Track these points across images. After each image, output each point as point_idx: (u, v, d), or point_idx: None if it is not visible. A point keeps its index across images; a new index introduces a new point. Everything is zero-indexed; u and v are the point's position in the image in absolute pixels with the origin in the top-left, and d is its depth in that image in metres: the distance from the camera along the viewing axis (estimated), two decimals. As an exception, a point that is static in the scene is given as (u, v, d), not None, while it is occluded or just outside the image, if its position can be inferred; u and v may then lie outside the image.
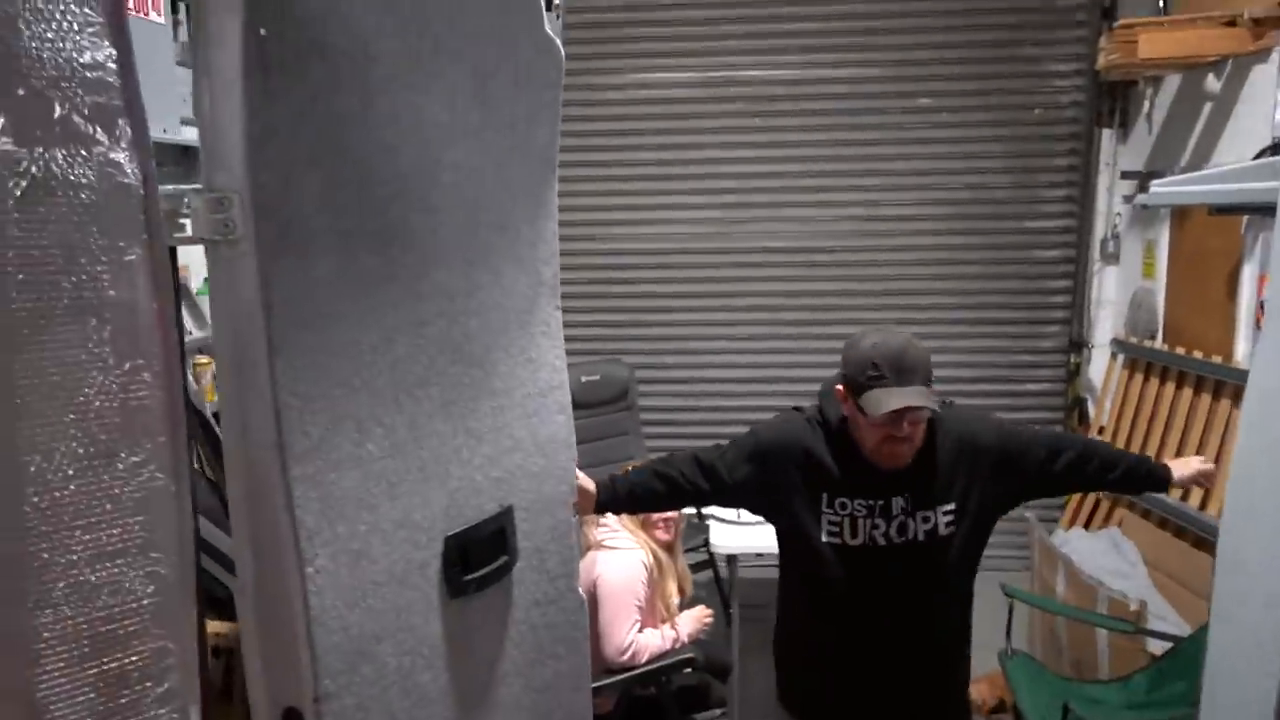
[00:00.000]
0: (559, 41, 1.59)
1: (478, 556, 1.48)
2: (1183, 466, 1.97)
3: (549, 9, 1.56)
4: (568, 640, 1.74)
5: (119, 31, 0.92)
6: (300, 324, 1.20)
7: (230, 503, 1.21)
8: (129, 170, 0.95)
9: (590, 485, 1.84)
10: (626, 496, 1.92)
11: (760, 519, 3.24)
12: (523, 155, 1.57)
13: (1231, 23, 3.35)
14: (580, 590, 1.76)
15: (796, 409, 1.92)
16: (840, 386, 1.77)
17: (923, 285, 4.46)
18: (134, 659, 1.00)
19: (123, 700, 0.99)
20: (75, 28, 0.89)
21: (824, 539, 1.79)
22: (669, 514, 2.65)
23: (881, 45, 4.33)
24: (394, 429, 1.35)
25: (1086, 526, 3.94)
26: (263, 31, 1.10)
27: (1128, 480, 1.96)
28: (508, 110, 1.51)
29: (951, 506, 1.79)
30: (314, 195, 1.19)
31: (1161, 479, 1.95)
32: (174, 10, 1.70)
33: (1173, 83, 3.87)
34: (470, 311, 1.48)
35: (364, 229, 1.27)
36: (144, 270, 0.98)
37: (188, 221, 1.21)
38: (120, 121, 0.93)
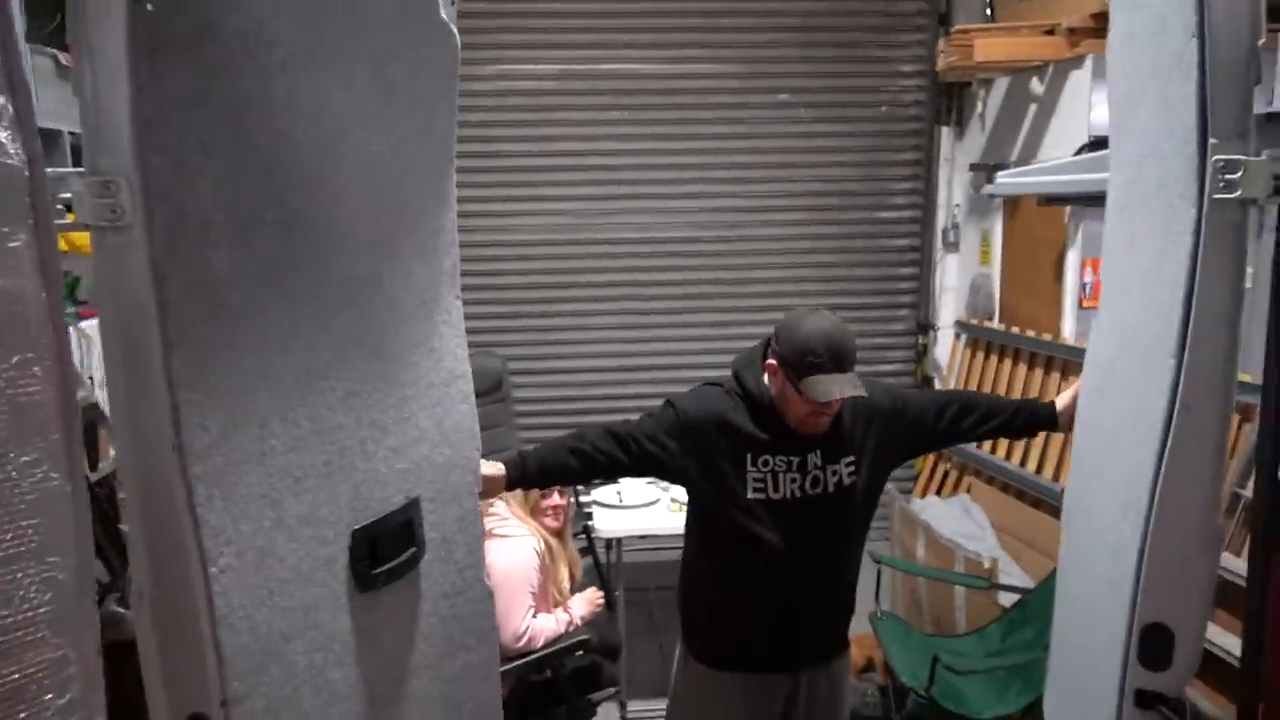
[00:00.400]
0: (454, 28, 1.57)
1: (385, 550, 1.46)
2: (1062, 399, 2.13)
3: None
4: (476, 631, 1.74)
5: (2, 3, 0.86)
6: (198, 316, 1.14)
7: (127, 504, 1.15)
8: (12, 151, 0.89)
9: (496, 469, 1.85)
10: (538, 472, 1.95)
11: (644, 502, 3.33)
12: (422, 142, 1.54)
13: (1051, 31, 3.69)
14: (487, 580, 1.76)
15: (713, 383, 2.05)
16: (773, 361, 1.91)
17: (783, 274, 4.65)
18: (31, 670, 0.95)
19: (21, 715, 0.93)
20: (-48, -4, 0.83)
21: (749, 496, 1.94)
22: (558, 501, 2.68)
23: (742, 43, 4.48)
24: (297, 423, 1.31)
25: (939, 494, 4.24)
26: (149, 7, 1.05)
27: (1015, 422, 2.13)
28: (406, 96, 1.48)
29: (852, 459, 1.98)
30: (210, 182, 1.14)
31: (1048, 415, 2.12)
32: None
33: (1002, 85, 4.21)
34: (374, 301, 1.45)
35: (263, 217, 1.23)
36: (30, 257, 0.92)
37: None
38: (1, 99, 0.87)
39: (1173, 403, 1.36)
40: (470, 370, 1.71)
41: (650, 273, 4.61)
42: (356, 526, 1.41)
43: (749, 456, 1.94)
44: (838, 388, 1.83)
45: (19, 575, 0.93)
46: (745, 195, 4.59)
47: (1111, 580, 1.50)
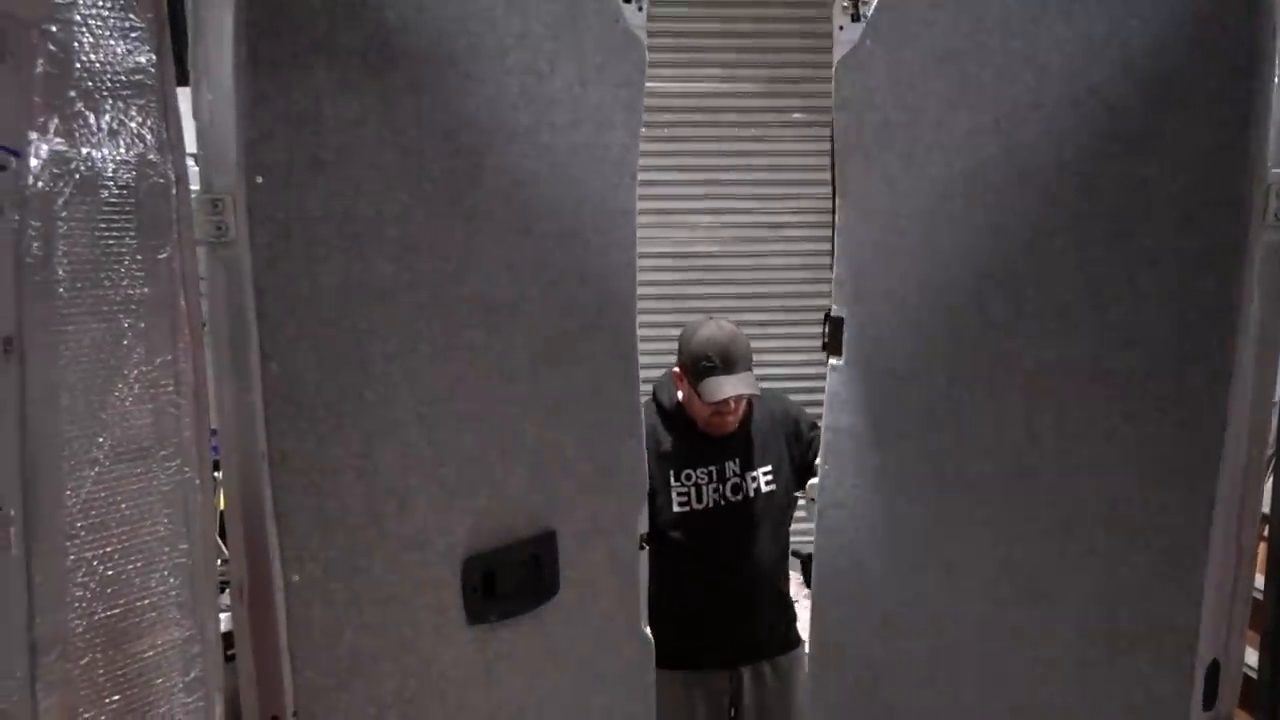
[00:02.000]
0: (642, 36, 1.46)
1: (505, 583, 1.38)
2: None
3: (628, 0, 1.42)
4: (626, 682, 1.60)
5: (160, 36, 0.95)
6: (300, 330, 1.17)
7: (227, 504, 1.18)
8: (165, 171, 0.97)
9: None
10: None
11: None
12: (591, 159, 1.44)
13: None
14: (649, 631, 1.62)
15: None
16: (677, 370, 2.10)
17: (793, 289, 4.74)
18: (163, 648, 1.02)
19: (154, 687, 1.01)
20: (122, 32, 0.91)
21: (675, 510, 2.09)
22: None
23: (759, 62, 4.58)
24: (410, 443, 1.27)
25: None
26: (255, 29, 1.08)
27: None
28: (572, 109, 1.39)
29: (769, 468, 2.16)
30: (320, 200, 1.15)
31: None
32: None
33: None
34: (516, 324, 1.37)
35: (381, 235, 1.22)
36: (175, 268, 1.00)
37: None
38: (159, 124, 0.96)
39: (1221, 432, 1.26)
40: (641, 404, 1.58)
41: (666, 286, 4.70)
42: (472, 554, 1.34)
43: (672, 473, 2.09)
44: (730, 387, 2.00)
45: (155, 560, 1.00)
46: (761, 211, 4.68)
47: (1117, 632, 1.36)
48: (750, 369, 2.06)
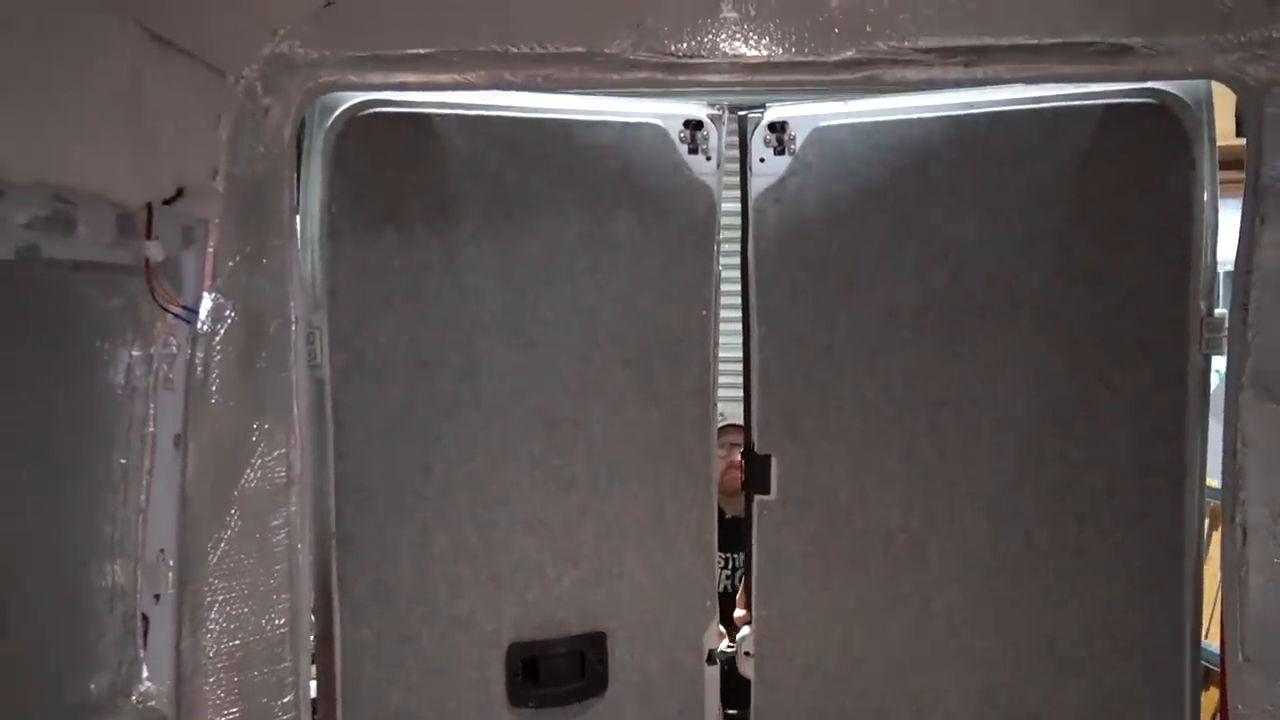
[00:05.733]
0: (710, 182, 1.58)
1: (549, 673, 1.52)
2: None
3: (696, 152, 1.56)
4: None
5: (289, 221, 1.33)
6: (368, 436, 1.45)
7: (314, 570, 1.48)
8: (288, 313, 1.33)
9: None
10: None
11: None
12: (658, 293, 1.58)
13: None
14: None
15: None
16: None
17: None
18: (269, 673, 1.33)
19: (260, 705, 1.31)
20: (263, 217, 1.30)
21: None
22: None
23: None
24: (463, 537, 1.48)
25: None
26: (333, 209, 1.43)
27: None
28: (631, 251, 1.55)
29: None
30: (389, 332, 1.45)
31: None
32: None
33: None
34: (574, 439, 1.53)
35: (445, 360, 1.47)
36: (291, 384, 1.35)
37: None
38: (284, 279, 1.33)
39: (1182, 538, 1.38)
40: (714, 521, 1.62)
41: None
42: (517, 642, 1.50)
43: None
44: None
45: (266, 605, 1.32)
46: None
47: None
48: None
